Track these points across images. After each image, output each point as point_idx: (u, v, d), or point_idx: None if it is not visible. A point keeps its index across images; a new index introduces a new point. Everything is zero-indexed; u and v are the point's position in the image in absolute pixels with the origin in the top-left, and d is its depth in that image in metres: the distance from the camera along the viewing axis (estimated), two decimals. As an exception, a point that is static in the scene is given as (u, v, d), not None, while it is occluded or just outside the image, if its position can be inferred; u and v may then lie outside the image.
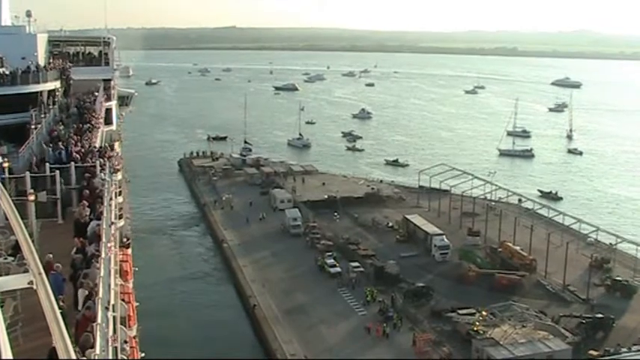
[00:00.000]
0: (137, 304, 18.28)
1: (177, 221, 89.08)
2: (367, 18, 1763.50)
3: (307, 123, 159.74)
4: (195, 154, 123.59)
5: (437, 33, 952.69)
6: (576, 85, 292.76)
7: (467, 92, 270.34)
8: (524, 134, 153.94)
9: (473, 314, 54.70)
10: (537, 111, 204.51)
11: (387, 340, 52.25)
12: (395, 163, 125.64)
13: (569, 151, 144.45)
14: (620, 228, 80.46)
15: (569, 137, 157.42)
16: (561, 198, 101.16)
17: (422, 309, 57.70)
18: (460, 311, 55.46)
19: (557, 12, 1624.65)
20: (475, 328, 51.91)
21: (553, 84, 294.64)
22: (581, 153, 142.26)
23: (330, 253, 68.90)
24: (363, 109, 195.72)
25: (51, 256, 16.43)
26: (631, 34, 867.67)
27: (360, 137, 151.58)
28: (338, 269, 65.13)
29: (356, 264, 65.87)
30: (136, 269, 22.18)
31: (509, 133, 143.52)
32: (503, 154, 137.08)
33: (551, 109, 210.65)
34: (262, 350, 52.84)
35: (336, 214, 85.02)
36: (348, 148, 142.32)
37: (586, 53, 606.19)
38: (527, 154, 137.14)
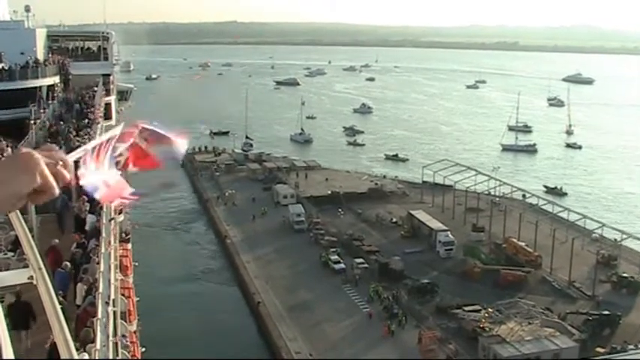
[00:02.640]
0: (137, 299, 18.04)
1: (179, 217, 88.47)
2: (368, 13, 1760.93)
3: (308, 118, 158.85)
4: (197, 150, 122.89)
5: (438, 28, 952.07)
6: (589, 81, 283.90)
7: (468, 87, 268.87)
8: (526, 129, 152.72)
9: (478, 311, 54.22)
10: (539, 106, 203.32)
11: (392, 338, 51.73)
12: (395, 158, 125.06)
13: (571, 146, 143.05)
14: (625, 223, 79.84)
15: (569, 132, 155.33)
16: (566, 193, 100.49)
17: (427, 306, 57.21)
18: (466, 308, 54.96)
19: (558, 6, 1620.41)
20: (481, 325, 51.42)
21: (565, 80, 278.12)
22: (580, 147, 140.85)
23: (334, 249, 68.35)
24: (363, 104, 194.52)
25: (57, 241, 16.49)
26: (632, 29, 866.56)
27: (362, 132, 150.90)
28: (342, 265, 64.55)
29: (360, 260, 65.32)
30: (136, 264, 21.79)
31: (511, 128, 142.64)
32: (506, 148, 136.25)
33: (552, 104, 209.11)
34: (267, 348, 52.35)
35: (340, 210, 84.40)
36: (349, 143, 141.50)
37: (587, 48, 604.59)
38: (531, 149, 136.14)
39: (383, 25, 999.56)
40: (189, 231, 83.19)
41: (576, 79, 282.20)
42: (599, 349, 50.18)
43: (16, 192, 2.36)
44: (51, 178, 2.40)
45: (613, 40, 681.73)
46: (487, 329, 50.91)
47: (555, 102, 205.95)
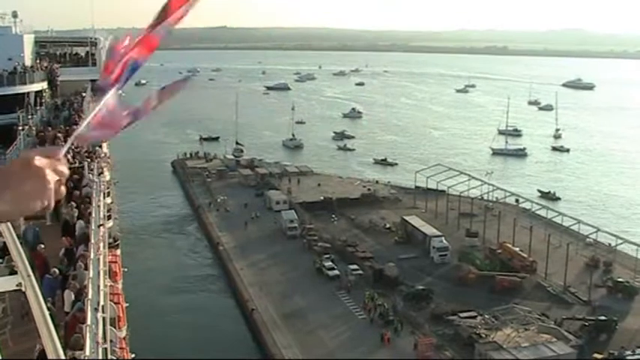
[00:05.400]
0: (127, 305, 17.95)
1: (171, 223, 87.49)
2: (357, 17, 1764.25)
3: (297, 123, 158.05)
4: (188, 155, 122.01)
5: (427, 32, 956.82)
6: (589, 87, 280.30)
7: (457, 91, 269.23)
8: (516, 133, 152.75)
9: (474, 317, 53.80)
10: (528, 109, 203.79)
11: (388, 345, 51.22)
12: (384, 162, 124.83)
13: (558, 150, 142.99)
14: (619, 228, 79.66)
15: (556, 136, 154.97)
16: (559, 198, 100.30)
17: (422, 312, 56.67)
18: (461, 314, 54.48)
19: (547, 10, 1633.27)
20: (477, 332, 50.96)
21: (565, 85, 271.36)
22: (567, 150, 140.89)
23: (327, 256, 67.69)
24: (353, 109, 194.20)
25: (42, 246, 16.63)
26: (620, 32, 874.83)
27: (352, 137, 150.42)
28: (336, 272, 63.89)
29: (354, 266, 64.72)
30: (126, 270, 21.56)
31: (501, 132, 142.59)
32: (496, 153, 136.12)
33: (540, 108, 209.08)
34: (261, 356, 51.69)
35: (333, 215, 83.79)
36: (340, 148, 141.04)
37: (576, 52, 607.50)
38: (521, 153, 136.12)
39: (371, 30, 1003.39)
40: (181, 237, 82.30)
41: (576, 85, 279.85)
42: (596, 355, 49.81)
43: (30, 204, 2.36)
44: (53, 194, 2.42)
45: (602, 44, 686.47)
46: (483, 335, 50.48)
47: (543, 106, 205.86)
